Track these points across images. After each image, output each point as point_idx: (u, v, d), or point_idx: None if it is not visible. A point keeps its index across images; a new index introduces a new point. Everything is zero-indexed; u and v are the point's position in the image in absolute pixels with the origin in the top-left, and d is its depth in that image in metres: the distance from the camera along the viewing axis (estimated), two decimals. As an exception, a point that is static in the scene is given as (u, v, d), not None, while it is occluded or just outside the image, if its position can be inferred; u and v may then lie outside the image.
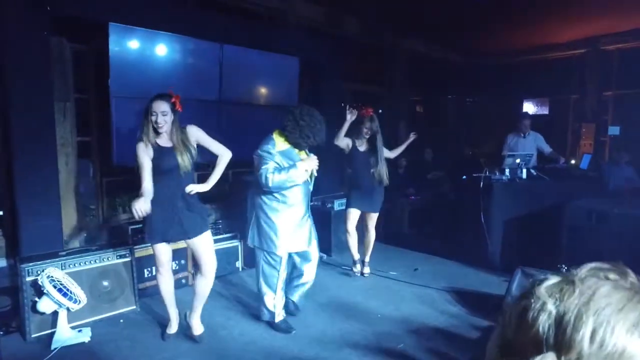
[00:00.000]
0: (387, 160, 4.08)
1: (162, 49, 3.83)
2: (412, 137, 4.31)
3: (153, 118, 2.57)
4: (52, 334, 2.87)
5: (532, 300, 0.50)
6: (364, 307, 3.48)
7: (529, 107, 7.84)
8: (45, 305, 2.82)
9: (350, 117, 3.77)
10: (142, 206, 2.43)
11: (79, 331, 2.95)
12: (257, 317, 3.18)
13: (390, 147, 4.31)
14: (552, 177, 4.42)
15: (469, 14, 5.30)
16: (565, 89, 7.14)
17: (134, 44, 3.60)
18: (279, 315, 3.05)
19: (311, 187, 3.11)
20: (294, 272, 3.24)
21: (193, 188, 2.70)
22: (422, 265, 4.48)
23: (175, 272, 3.74)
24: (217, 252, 4.39)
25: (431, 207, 5.64)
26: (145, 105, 2.64)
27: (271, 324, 3.07)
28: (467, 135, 8.18)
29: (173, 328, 2.95)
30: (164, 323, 3.03)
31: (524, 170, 4.41)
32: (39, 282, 2.81)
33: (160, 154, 2.63)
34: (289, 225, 2.94)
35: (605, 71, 6.67)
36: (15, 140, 3.12)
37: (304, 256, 3.14)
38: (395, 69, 6.69)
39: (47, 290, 2.76)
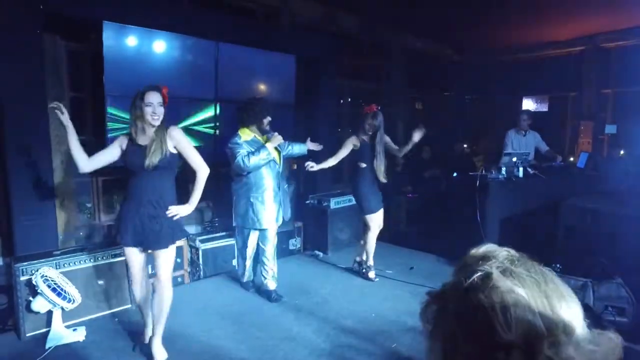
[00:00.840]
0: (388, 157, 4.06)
1: (158, 48, 3.81)
2: (418, 133, 3.98)
3: (149, 109, 2.43)
4: (47, 332, 2.88)
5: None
6: (359, 306, 3.49)
7: (528, 104, 7.82)
8: (39, 305, 2.83)
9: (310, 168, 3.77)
10: None
11: (74, 330, 2.96)
12: (253, 312, 3.28)
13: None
14: (549, 176, 4.41)
15: (467, 11, 5.28)
16: (564, 86, 7.12)
17: (128, 43, 3.58)
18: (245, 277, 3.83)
19: (280, 169, 3.63)
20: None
21: (175, 211, 2.52)
22: (418, 264, 4.49)
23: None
24: (214, 250, 4.45)
25: (428, 205, 5.64)
26: (134, 98, 2.47)
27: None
28: (466, 133, 8.17)
29: (147, 338, 2.75)
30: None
31: (521, 169, 4.40)
32: (33, 282, 2.82)
33: (134, 150, 2.49)
34: (266, 204, 3.52)
35: (604, 69, 6.66)
36: (8, 140, 3.11)
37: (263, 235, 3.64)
38: (393, 66, 6.67)
39: (41, 290, 2.77)
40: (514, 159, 4.43)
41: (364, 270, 4.14)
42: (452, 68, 7.57)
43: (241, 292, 3.79)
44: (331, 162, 3.83)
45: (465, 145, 8.24)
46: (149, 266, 2.91)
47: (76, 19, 3.37)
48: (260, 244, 3.68)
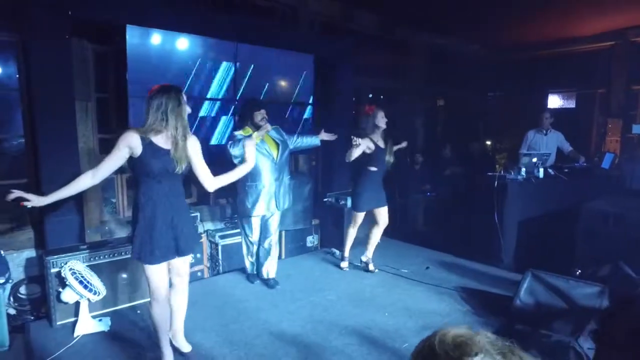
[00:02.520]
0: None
1: (178, 49, 3.92)
2: (403, 144, 4.34)
3: (188, 108, 2.34)
4: (75, 322, 3.05)
5: None
6: (372, 305, 3.53)
7: (554, 101, 7.61)
8: (68, 296, 3.00)
9: (355, 145, 3.75)
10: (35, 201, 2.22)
11: (99, 320, 3.13)
12: (269, 308, 3.42)
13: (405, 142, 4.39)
14: (570, 177, 4.32)
15: (491, 6, 5.17)
16: (592, 82, 6.90)
17: (150, 45, 3.70)
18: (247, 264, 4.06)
19: (276, 160, 3.74)
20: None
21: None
22: (434, 264, 4.49)
23: (190, 265, 3.89)
24: (232, 246, 4.57)
25: (447, 204, 5.61)
26: (165, 94, 2.28)
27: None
28: (489, 131, 8.03)
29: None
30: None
31: (541, 170, 4.32)
32: (62, 275, 2.98)
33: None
34: (258, 193, 3.73)
35: (634, 64, 6.41)
36: (40, 139, 3.28)
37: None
38: (412, 63, 6.61)
39: (69, 282, 2.94)
40: (534, 160, 4.35)
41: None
42: (476, 65, 7.43)
43: (258, 288, 3.89)
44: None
45: (488, 143, 8.11)
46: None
47: (101, 23, 3.50)
48: (262, 233, 3.89)
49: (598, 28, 6.27)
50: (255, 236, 3.90)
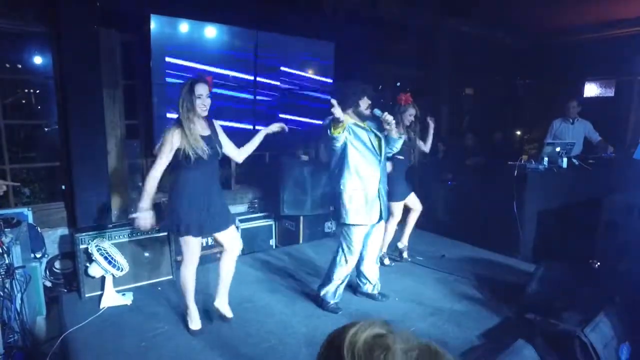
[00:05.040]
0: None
1: (201, 37, 4.05)
2: (431, 124, 4.05)
3: (199, 101, 2.50)
4: (101, 295, 3.28)
5: None
6: (383, 289, 3.56)
7: (591, 89, 7.26)
8: (94, 271, 3.23)
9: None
10: (148, 222, 2.54)
11: (123, 295, 3.34)
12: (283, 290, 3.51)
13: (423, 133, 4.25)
14: (596, 168, 4.16)
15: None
16: (632, 69, 6.52)
17: (174, 33, 3.84)
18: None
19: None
20: None
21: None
22: (451, 252, 4.47)
23: (210, 247, 4.06)
24: (253, 230, 4.71)
25: (468, 194, 5.52)
26: (183, 90, 2.52)
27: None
28: (519, 120, 7.78)
29: (196, 324, 2.87)
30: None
31: (565, 160, 4.19)
32: (89, 251, 3.21)
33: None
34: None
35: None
36: (71, 125, 3.51)
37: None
38: (438, 50, 6.48)
39: (95, 258, 3.15)
40: (558, 149, 4.21)
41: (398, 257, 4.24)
42: (506, 51, 7.19)
43: (274, 267, 4.01)
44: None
45: (518, 133, 7.86)
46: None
47: (127, 13, 3.66)
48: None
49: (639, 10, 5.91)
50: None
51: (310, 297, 3.41)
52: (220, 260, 2.92)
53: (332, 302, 3.22)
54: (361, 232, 3.06)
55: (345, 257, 3.11)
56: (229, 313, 2.97)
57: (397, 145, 3.10)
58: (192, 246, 2.70)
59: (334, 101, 2.66)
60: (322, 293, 3.24)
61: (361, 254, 3.22)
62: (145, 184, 2.61)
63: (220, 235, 2.81)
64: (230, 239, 2.84)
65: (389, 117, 2.88)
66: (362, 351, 0.54)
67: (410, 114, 3.71)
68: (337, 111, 2.66)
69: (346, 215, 3.01)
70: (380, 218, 3.11)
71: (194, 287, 2.86)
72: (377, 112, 2.90)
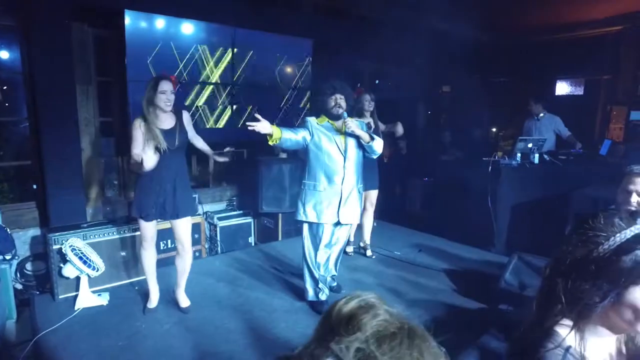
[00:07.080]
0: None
1: (176, 34, 3.99)
2: (399, 129, 4.22)
3: (163, 97, 2.71)
4: (76, 296, 3.21)
5: None
6: (363, 284, 3.62)
7: (562, 88, 7.51)
8: (68, 271, 3.15)
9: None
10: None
11: (99, 295, 3.28)
12: (259, 287, 3.46)
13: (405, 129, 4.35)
14: (566, 163, 4.32)
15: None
16: (599, 69, 6.78)
17: (148, 30, 3.78)
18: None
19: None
20: None
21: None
22: (427, 247, 4.56)
23: (170, 249, 4.00)
24: (231, 227, 4.69)
25: (443, 189, 5.63)
26: (149, 86, 2.74)
27: None
28: (495, 118, 7.96)
29: (153, 303, 3.11)
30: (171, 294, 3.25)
31: (537, 155, 4.33)
32: (63, 251, 3.13)
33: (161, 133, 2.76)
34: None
35: (643, 49, 6.28)
36: (42, 122, 3.41)
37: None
38: (416, 48, 6.56)
39: (70, 258, 3.08)
40: (529, 145, 4.35)
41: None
42: (480, 50, 7.34)
43: (251, 266, 4.01)
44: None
45: (494, 130, 8.05)
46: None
47: (100, 7, 3.58)
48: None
49: (608, 11, 6.14)
50: None
51: (289, 293, 3.43)
52: (175, 258, 3.13)
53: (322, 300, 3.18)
54: (315, 229, 3.07)
55: (304, 253, 3.18)
56: (183, 303, 3.12)
57: (376, 149, 3.04)
58: (143, 229, 2.95)
59: (257, 115, 2.79)
60: (308, 297, 3.22)
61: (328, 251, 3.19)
62: (132, 157, 2.75)
63: (174, 228, 2.99)
64: (181, 233, 2.99)
65: (349, 123, 2.89)
66: (348, 313, 0.55)
67: (366, 100, 3.92)
68: (259, 126, 2.73)
69: (301, 212, 3.07)
70: (338, 220, 3.05)
71: (153, 269, 3.09)
72: (344, 116, 2.96)
